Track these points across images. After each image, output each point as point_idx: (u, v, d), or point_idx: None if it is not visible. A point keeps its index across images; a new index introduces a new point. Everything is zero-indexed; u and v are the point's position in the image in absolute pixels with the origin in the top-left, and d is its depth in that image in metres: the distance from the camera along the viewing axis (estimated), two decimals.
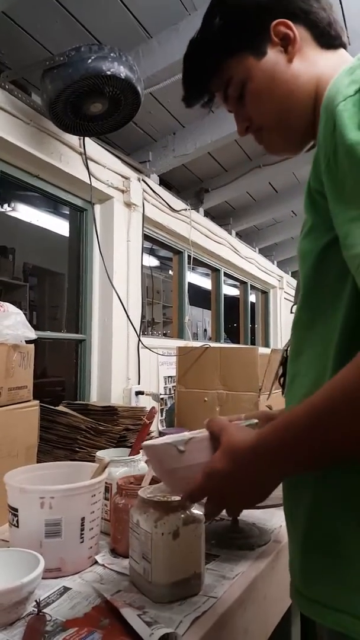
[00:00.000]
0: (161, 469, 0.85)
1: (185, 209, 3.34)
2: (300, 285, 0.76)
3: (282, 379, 0.92)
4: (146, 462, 1.34)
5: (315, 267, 0.72)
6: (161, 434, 2.08)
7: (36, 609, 0.83)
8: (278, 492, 1.29)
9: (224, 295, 4.52)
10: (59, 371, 3.84)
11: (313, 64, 0.80)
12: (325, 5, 0.82)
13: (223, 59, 0.84)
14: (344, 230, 0.60)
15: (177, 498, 0.99)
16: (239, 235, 4.74)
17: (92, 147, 2.39)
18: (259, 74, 0.81)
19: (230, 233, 4.37)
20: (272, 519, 1.39)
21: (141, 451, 1.39)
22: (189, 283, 3.75)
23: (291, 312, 0.89)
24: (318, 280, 0.72)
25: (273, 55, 0.81)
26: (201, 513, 0.99)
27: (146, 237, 3.01)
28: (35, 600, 0.85)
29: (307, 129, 0.82)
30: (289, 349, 0.85)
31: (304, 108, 0.80)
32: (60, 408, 1.77)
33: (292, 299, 0.96)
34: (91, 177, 2.34)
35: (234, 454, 0.72)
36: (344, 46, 0.83)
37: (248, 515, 1.38)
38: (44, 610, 0.86)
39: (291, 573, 0.76)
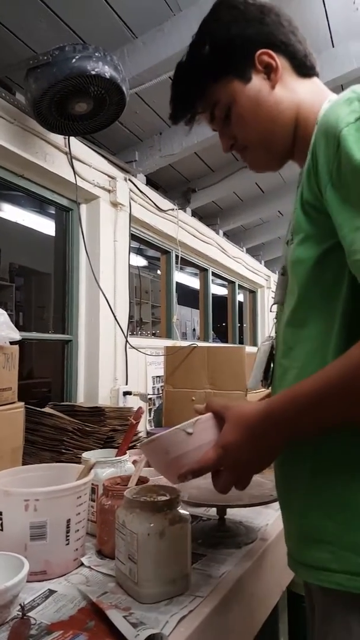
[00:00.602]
0: (167, 459, 0.82)
1: (173, 209, 3.34)
2: (295, 288, 0.82)
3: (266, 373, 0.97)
4: (133, 462, 1.34)
5: (311, 272, 0.79)
6: (149, 434, 2.08)
7: (20, 613, 0.83)
8: (264, 490, 1.30)
9: (213, 294, 4.52)
10: (45, 372, 3.83)
11: (293, 91, 0.90)
12: (300, 39, 0.92)
13: (212, 83, 0.92)
14: (349, 238, 0.68)
15: (164, 498, 0.99)
16: (226, 235, 4.75)
17: (78, 146, 2.38)
18: (244, 98, 0.90)
19: (217, 233, 4.38)
20: (258, 517, 1.40)
21: (128, 452, 1.39)
22: (177, 283, 3.75)
23: (271, 311, 0.96)
24: (314, 283, 0.79)
25: (257, 82, 0.89)
26: (187, 513, 0.99)
27: (133, 237, 3.00)
28: (20, 604, 0.85)
29: (287, 149, 0.92)
30: (274, 343, 0.94)
31: (286, 131, 0.90)
32: (46, 409, 1.76)
33: None
34: (77, 176, 2.33)
35: (246, 423, 0.78)
36: (317, 75, 0.94)
37: (235, 513, 1.38)
38: (29, 614, 0.86)
39: (289, 545, 0.85)
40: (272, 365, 0.96)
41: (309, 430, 0.75)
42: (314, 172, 0.75)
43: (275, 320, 0.98)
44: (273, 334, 1.00)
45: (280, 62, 0.89)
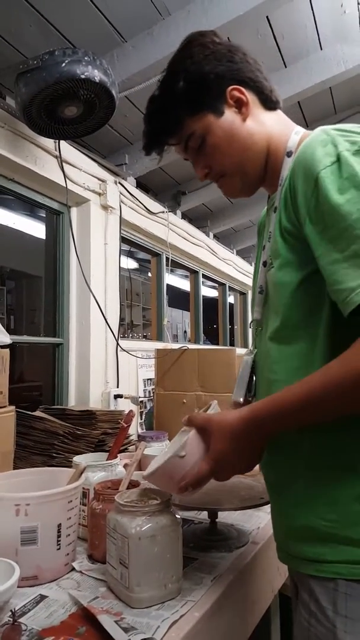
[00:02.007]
0: (173, 481, 0.89)
1: (163, 212, 3.34)
2: (279, 309, 0.88)
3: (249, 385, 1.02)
4: (124, 466, 1.34)
5: (293, 295, 0.85)
6: (140, 437, 2.08)
7: (11, 619, 0.82)
8: (255, 493, 1.30)
9: (203, 296, 4.53)
10: (36, 375, 3.81)
11: (262, 124, 0.97)
12: (266, 77, 1.00)
13: (187, 116, 0.96)
14: (328, 270, 0.76)
15: (155, 502, 0.99)
16: (216, 237, 4.76)
17: (68, 150, 2.38)
18: (219, 130, 0.95)
19: (207, 235, 4.39)
20: (249, 520, 1.40)
21: (119, 455, 1.39)
22: (168, 285, 3.75)
23: (250, 327, 1.05)
24: (296, 305, 0.86)
25: (230, 115, 0.96)
26: (179, 517, 0.99)
27: (124, 240, 3.00)
28: (11, 610, 0.84)
29: (260, 176, 0.99)
30: (255, 357, 1.00)
31: (259, 159, 0.97)
32: (37, 413, 1.76)
33: None
34: (67, 180, 2.33)
35: (230, 431, 0.85)
36: (280, 108, 1.01)
37: (226, 517, 1.39)
38: (20, 620, 0.85)
39: (282, 542, 0.91)
40: (254, 378, 1.01)
41: (289, 430, 0.84)
42: (293, 204, 0.83)
43: (255, 335, 1.03)
44: (251, 348, 1.05)
45: (250, 96, 0.96)
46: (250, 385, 1.01)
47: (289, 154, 0.92)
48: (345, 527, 0.79)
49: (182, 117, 0.97)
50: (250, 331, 1.12)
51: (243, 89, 0.95)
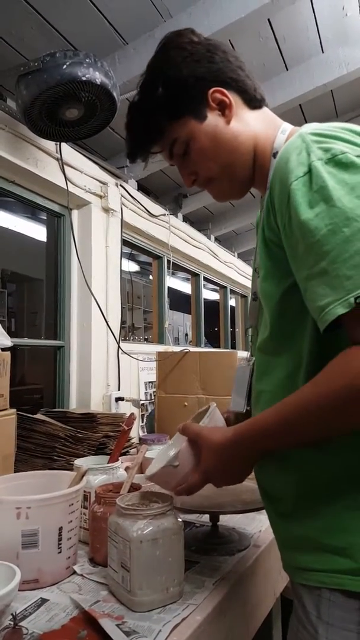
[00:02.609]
0: (169, 485, 0.96)
1: (164, 214, 3.34)
2: (267, 319, 0.88)
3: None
4: (126, 469, 1.34)
5: (278, 306, 0.85)
6: (141, 440, 2.07)
7: (12, 623, 0.82)
8: (257, 496, 1.29)
9: (204, 299, 4.52)
10: (37, 378, 3.80)
11: (247, 124, 0.94)
12: (249, 74, 0.96)
13: (168, 123, 0.94)
14: (301, 286, 0.75)
15: (157, 505, 0.99)
16: (217, 240, 4.76)
17: (69, 152, 2.38)
18: (202, 135, 0.93)
19: (209, 238, 4.39)
20: (251, 523, 1.39)
21: (120, 458, 1.38)
22: (170, 288, 3.74)
23: (246, 334, 1.00)
24: (282, 316, 0.85)
25: (213, 119, 0.93)
26: (180, 520, 0.99)
27: (125, 243, 3.00)
28: (12, 614, 0.84)
29: (249, 177, 0.97)
30: (252, 365, 0.99)
31: (246, 161, 0.94)
32: (38, 416, 1.75)
33: None
34: (68, 182, 2.33)
35: (217, 450, 0.88)
36: (267, 105, 0.98)
37: (228, 520, 1.38)
38: (21, 624, 0.85)
39: (279, 549, 0.92)
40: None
41: (273, 450, 0.85)
42: (273, 213, 0.80)
43: (251, 343, 1.03)
44: (249, 355, 1.05)
45: (232, 97, 0.92)
46: (250, 395, 1.00)
47: (275, 155, 0.89)
48: (332, 535, 0.79)
49: (163, 124, 0.94)
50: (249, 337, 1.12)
51: (225, 91, 0.92)
